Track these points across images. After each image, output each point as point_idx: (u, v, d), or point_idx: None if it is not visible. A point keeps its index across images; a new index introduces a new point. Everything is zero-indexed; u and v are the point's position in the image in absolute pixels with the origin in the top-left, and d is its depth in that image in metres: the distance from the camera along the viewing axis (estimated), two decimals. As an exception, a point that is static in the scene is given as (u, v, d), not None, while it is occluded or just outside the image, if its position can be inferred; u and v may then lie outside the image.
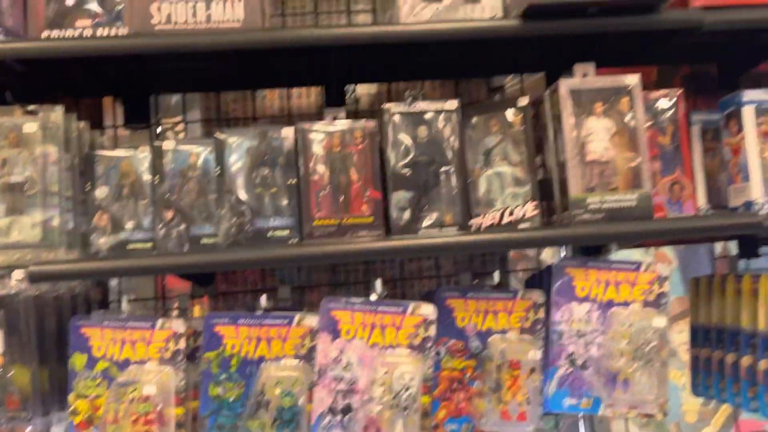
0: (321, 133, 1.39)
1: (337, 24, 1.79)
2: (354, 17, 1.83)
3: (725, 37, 1.56)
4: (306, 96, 1.83)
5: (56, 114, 1.39)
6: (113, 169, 1.45)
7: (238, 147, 1.39)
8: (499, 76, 1.83)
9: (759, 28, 1.43)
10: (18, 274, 1.30)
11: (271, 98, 1.82)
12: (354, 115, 1.80)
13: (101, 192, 1.43)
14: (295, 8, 1.83)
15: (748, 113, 1.40)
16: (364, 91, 1.86)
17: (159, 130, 1.78)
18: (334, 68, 1.57)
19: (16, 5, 1.40)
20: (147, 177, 1.43)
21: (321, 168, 1.38)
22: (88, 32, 1.37)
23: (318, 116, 1.79)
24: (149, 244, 1.42)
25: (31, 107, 1.37)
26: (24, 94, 1.55)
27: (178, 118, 1.82)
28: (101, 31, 1.38)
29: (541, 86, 1.79)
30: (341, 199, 1.37)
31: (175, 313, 1.56)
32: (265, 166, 1.38)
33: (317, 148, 1.38)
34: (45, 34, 1.39)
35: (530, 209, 1.41)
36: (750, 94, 1.42)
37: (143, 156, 1.44)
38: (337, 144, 1.39)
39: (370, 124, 1.40)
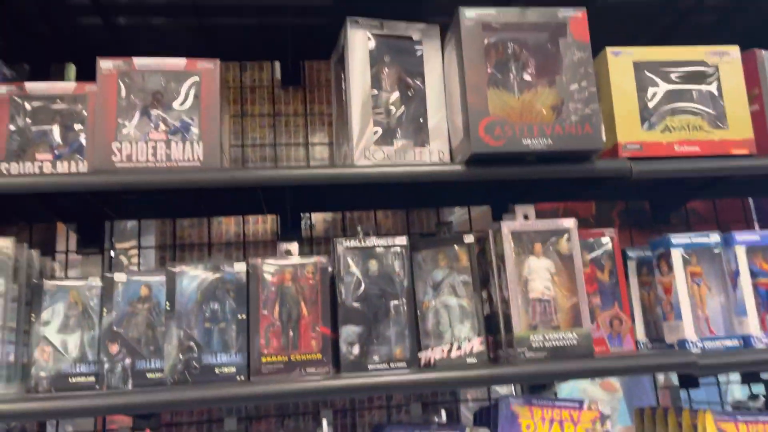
0: (273, 268, 1.42)
1: (296, 166, 1.87)
2: (311, 149, 1.92)
3: (655, 180, 1.69)
4: (262, 222, 1.88)
5: (7, 245, 1.39)
6: (61, 299, 1.44)
7: (190, 280, 1.40)
8: (448, 207, 1.92)
9: (684, 177, 1.56)
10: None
11: (227, 224, 1.86)
12: (309, 241, 1.84)
13: (46, 323, 1.41)
14: (255, 138, 1.91)
15: (676, 256, 1.50)
16: (319, 217, 1.92)
17: (112, 254, 1.78)
18: (290, 201, 1.63)
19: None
20: (95, 308, 1.43)
21: (272, 303, 1.40)
22: (48, 167, 1.41)
23: (273, 243, 1.83)
24: (92, 378, 1.39)
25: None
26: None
27: (133, 243, 1.83)
28: (61, 166, 1.42)
29: (487, 217, 1.88)
30: (290, 334, 1.39)
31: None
32: (215, 301, 1.40)
33: (269, 284, 1.41)
34: (4, 166, 1.42)
35: (477, 344, 1.44)
36: (678, 238, 1.52)
37: (93, 286, 1.44)
38: (289, 279, 1.42)
39: (322, 259, 1.45)
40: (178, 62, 1.46)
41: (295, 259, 1.44)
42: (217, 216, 1.82)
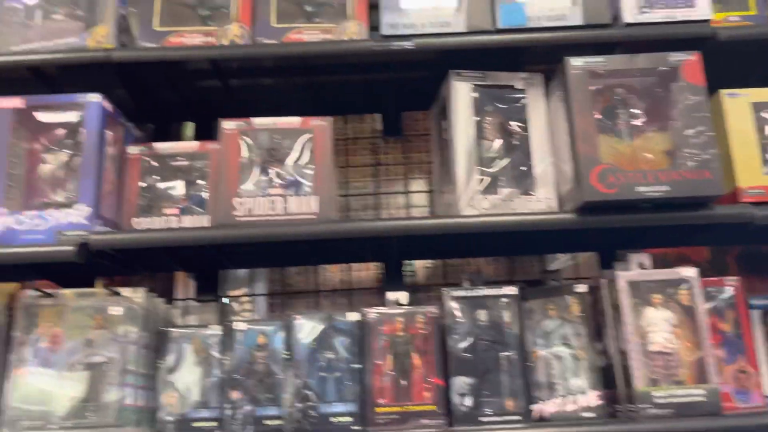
0: (384, 318, 1.45)
1: (404, 217, 1.91)
2: (411, 197, 1.96)
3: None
4: (366, 269, 1.92)
5: (139, 296, 1.49)
6: (185, 345, 1.51)
7: (305, 329, 1.45)
8: (553, 254, 1.89)
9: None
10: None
11: (332, 271, 1.91)
12: (411, 288, 1.87)
13: (170, 369, 1.49)
14: (358, 187, 1.97)
15: (809, 305, 1.41)
16: (420, 264, 1.94)
17: (225, 301, 1.87)
18: (395, 250, 1.66)
19: (112, 195, 1.55)
20: (216, 354, 1.49)
21: (384, 353, 1.42)
22: (174, 221, 1.51)
23: (378, 290, 1.86)
24: (214, 423, 1.44)
25: (116, 290, 1.48)
26: (105, 271, 1.68)
27: (244, 291, 1.91)
28: (186, 220, 1.52)
29: (593, 264, 1.84)
30: (404, 384, 1.40)
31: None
32: (330, 350, 1.43)
33: (381, 333, 1.43)
34: (135, 221, 1.53)
35: (594, 397, 1.40)
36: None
37: (214, 333, 1.52)
38: (400, 328, 1.44)
39: (433, 309, 1.46)
40: (293, 121, 1.54)
41: (406, 308, 1.46)
42: (325, 264, 1.88)
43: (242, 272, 1.92)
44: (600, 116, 1.49)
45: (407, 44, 1.54)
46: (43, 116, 1.54)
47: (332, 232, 1.45)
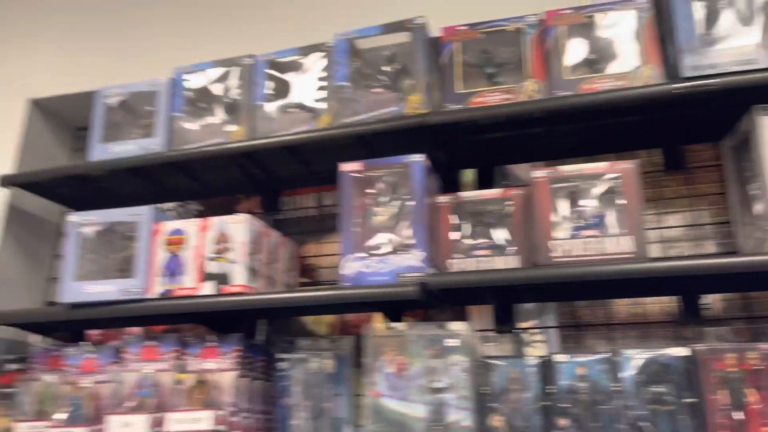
0: (715, 353, 1.48)
1: (711, 254, 1.92)
2: (697, 229, 1.96)
3: None
4: (658, 303, 1.94)
5: (466, 328, 1.69)
6: (503, 375, 1.67)
7: (629, 363, 1.53)
8: None
9: None
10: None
11: (620, 304, 1.97)
12: (709, 322, 1.86)
13: (494, 395, 1.66)
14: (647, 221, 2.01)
15: None
16: (716, 297, 1.92)
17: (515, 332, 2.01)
18: (695, 285, 1.68)
19: (431, 240, 1.78)
20: (533, 384, 1.63)
21: (716, 388, 1.45)
22: (485, 263, 1.69)
23: (671, 323, 1.89)
24: (539, 448, 1.57)
25: (446, 324, 1.69)
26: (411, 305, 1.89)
27: (534, 322, 2.04)
28: (498, 261, 1.69)
29: None
30: (739, 420, 1.41)
31: None
32: (656, 384, 1.49)
33: (712, 368, 1.46)
34: (450, 262, 1.74)
35: None
36: None
37: (531, 364, 1.65)
38: (732, 364, 1.46)
39: (764, 345, 1.46)
40: (599, 166, 1.65)
41: (736, 344, 1.48)
42: (619, 298, 1.95)
43: (533, 305, 2.05)
44: None
45: (712, 82, 1.58)
46: (373, 174, 1.83)
47: (649, 270, 1.52)
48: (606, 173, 1.65)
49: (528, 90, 1.78)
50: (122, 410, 1.78)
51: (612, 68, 1.74)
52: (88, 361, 1.92)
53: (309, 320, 2.30)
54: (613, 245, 1.57)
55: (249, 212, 1.95)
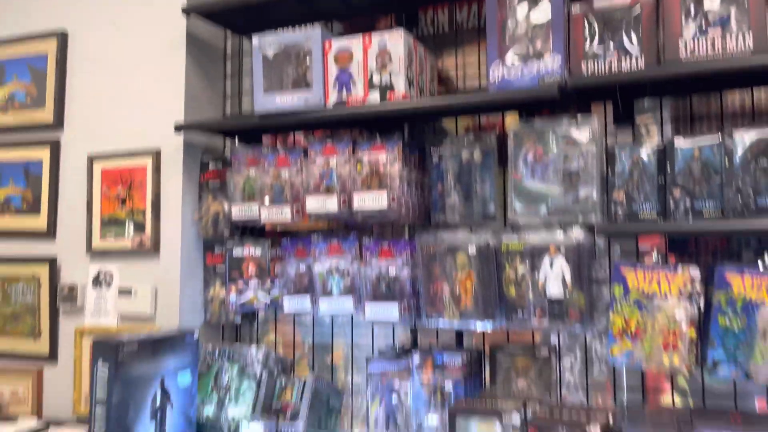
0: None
1: None
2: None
3: None
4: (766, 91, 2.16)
5: (594, 122, 2.02)
6: (628, 159, 2.02)
7: (739, 144, 1.83)
8: None
9: None
10: (578, 231, 1.98)
11: (732, 97, 2.21)
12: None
13: (618, 175, 2.03)
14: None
15: None
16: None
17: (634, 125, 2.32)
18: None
19: (566, 45, 2.05)
20: (651, 166, 1.98)
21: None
22: (616, 64, 1.96)
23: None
24: (655, 214, 1.97)
25: (576, 117, 2.03)
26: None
27: (650, 116, 2.33)
28: (626, 62, 1.96)
29: None
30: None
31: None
32: (763, 157, 1.81)
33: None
34: (584, 65, 2.02)
35: None
36: None
37: (650, 150, 1.99)
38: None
39: None
40: (730, -32, 1.82)
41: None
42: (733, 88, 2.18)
43: (648, 101, 2.32)
44: None
45: None
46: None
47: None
48: (735, -25, 1.82)
49: None
50: (317, 192, 2.31)
51: None
52: (281, 158, 2.43)
53: (448, 124, 2.68)
54: (735, 42, 1.80)
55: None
